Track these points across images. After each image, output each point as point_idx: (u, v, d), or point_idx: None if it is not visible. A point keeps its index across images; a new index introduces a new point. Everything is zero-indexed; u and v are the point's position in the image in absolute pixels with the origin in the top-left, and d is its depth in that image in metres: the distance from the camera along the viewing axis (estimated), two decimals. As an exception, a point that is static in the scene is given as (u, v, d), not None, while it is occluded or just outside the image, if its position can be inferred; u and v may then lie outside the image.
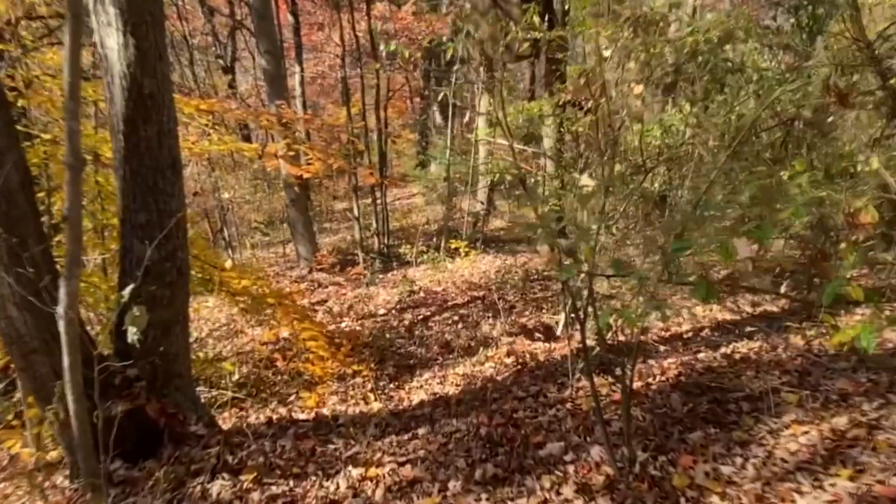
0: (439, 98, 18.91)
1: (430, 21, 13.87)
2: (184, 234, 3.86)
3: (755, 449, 3.05)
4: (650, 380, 4.13)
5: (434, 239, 11.47)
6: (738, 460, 2.97)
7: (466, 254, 8.97)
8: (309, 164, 5.94)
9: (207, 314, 7.03)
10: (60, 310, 2.90)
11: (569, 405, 3.99)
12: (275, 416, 4.41)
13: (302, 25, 17.49)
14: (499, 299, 7.03)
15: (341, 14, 11.33)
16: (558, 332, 5.35)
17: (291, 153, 6.00)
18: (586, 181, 3.79)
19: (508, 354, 5.23)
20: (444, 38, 16.41)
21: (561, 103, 3.40)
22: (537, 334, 5.57)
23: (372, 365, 5.51)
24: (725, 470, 2.89)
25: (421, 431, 4.01)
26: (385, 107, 11.61)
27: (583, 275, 3.30)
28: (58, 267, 4.50)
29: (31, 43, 4.94)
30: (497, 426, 3.81)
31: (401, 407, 4.61)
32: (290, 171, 5.15)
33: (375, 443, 3.90)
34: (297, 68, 17.79)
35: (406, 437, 3.97)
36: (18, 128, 3.77)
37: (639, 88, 3.64)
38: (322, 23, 15.80)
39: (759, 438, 3.15)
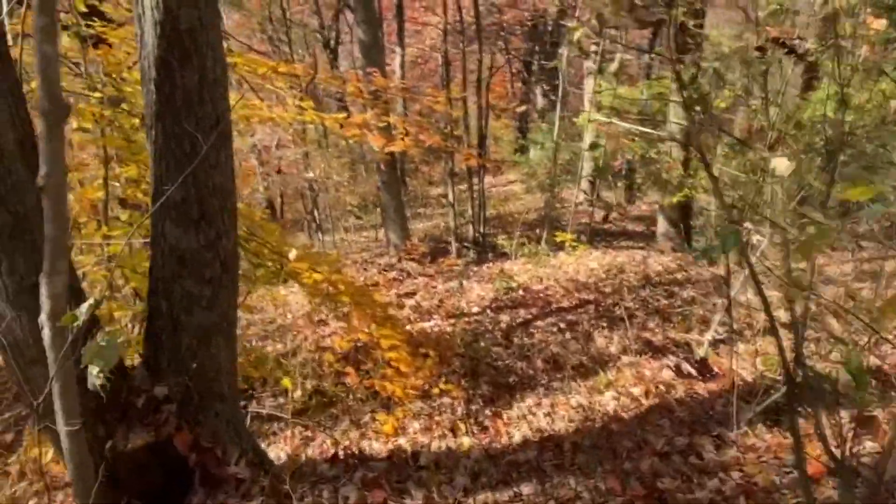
0: (549, 69, 17.60)
1: (537, -5, 12.57)
2: (232, 217, 2.93)
3: None
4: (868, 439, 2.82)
5: (533, 230, 10.28)
6: None
7: (574, 248, 7.74)
8: (402, 139, 4.94)
9: (280, 300, 6.23)
10: (43, 316, 2.02)
11: (736, 474, 2.77)
12: (341, 450, 3.45)
13: (404, 9, 16.68)
14: (614, 305, 5.80)
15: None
16: (700, 355, 4.09)
17: (381, 124, 5.03)
18: (780, 161, 2.53)
19: (636, 383, 4.03)
20: (554, 10, 15.06)
21: (758, 45, 2.26)
22: (672, 358, 4.33)
23: (463, 381, 4.46)
24: None
25: (526, 490, 2.92)
26: (487, 86, 10.50)
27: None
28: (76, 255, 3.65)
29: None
30: (634, 499, 2.66)
31: (498, 446, 3.54)
32: (375, 142, 4.16)
33: (465, 500, 2.85)
34: (399, 50, 16.99)
35: (506, 496, 2.90)
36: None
37: (880, 23, 2.35)
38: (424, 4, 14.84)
39: None
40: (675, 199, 6.19)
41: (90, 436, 2.51)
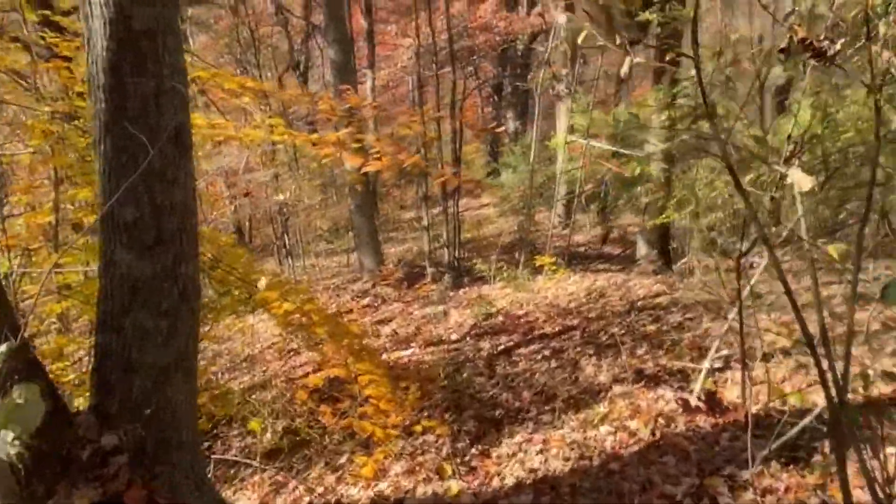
0: (520, 92, 17.57)
1: (509, 19, 12.52)
2: (192, 240, 2.59)
3: None
4: None
5: (509, 254, 10.05)
6: None
7: (553, 272, 7.50)
8: (378, 158, 4.65)
9: (248, 330, 5.84)
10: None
11: (755, 521, 2.50)
12: (316, 497, 3.08)
13: (375, 33, 16.53)
14: (599, 331, 5.56)
15: (417, 10, 10.10)
16: (700, 386, 3.84)
17: (356, 144, 4.75)
18: (800, 176, 2.30)
19: (632, 415, 3.76)
20: (524, 36, 15.05)
21: (783, 47, 2.05)
22: (666, 387, 4.08)
23: (446, 416, 4.14)
24: None
25: (524, 542, 2.60)
26: (461, 108, 10.32)
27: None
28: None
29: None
30: (647, 552, 2.36)
31: (489, 489, 3.22)
32: (351, 162, 3.87)
33: (456, 557, 2.52)
34: (370, 74, 16.80)
35: (502, 550, 2.57)
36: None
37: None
38: (397, 24, 14.72)
39: None
40: (658, 221, 6.01)
41: (26, 494, 2.14)
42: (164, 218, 2.43)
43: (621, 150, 8.05)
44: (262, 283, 3.26)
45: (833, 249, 2.32)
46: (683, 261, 7.52)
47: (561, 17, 10.83)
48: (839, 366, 2.03)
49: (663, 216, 5.86)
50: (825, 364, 1.95)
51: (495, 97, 18.62)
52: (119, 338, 2.47)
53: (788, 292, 2.11)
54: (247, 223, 17.21)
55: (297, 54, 16.49)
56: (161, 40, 2.36)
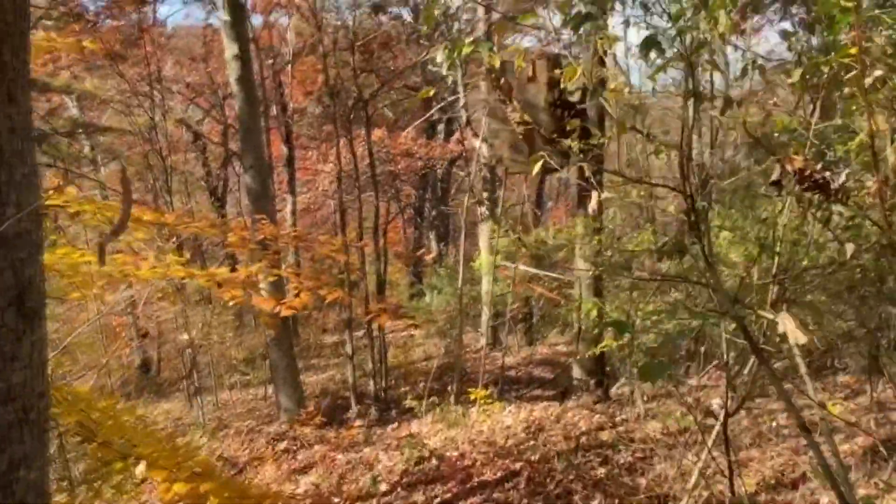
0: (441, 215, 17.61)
1: (430, 146, 12.67)
2: (38, 436, 1.92)
3: None
4: None
5: (439, 381, 9.42)
6: None
7: (487, 404, 6.93)
8: (296, 295, 4.09)
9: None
10: None
11: None
12: None
13: (296, 159, 16.43)
14: (546, 477, 4.97)
15: (338, 136, 9.96)
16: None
17: (272, 279, 4.20)
18: (793, 328, 1.94)
19: None
20: (443, 162, 15.28)
21: (774, 179, 1.76)
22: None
23: None
24: None
25: None
26: (385, 231, 10.01)
27: None
28: None
29: None
30: None
31: None
32: (263, 305, 3.32)
33: None
34: (290, 198, 16.48)
35: None
36: None
37: None
38: (318, 149, 14.67)
39: None
40: (596, 351, 5.66)
41: None
42: (-7, 410, 1.76)
43: (549, 274, 7.86)
44: (141, 469, 2.54)
45: (833, 409, 1.93)
46: (620, 384, 7.17)
47: (477, 144, 11.02)
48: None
49: (602, 345, 5.51)
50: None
51: (417, 219, 18.64)
52: None
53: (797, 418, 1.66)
54: (155, 355, 15.83)
55: (213, 180, 16.05)
56: (5, 175, 1.81)
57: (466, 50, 2.44)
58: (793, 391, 3.23)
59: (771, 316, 1.96)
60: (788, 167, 1.60)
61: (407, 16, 15.92)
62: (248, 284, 3.70)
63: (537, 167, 2.32)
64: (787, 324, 1.89)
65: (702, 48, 1.84)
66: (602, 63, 6.43)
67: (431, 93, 4.15)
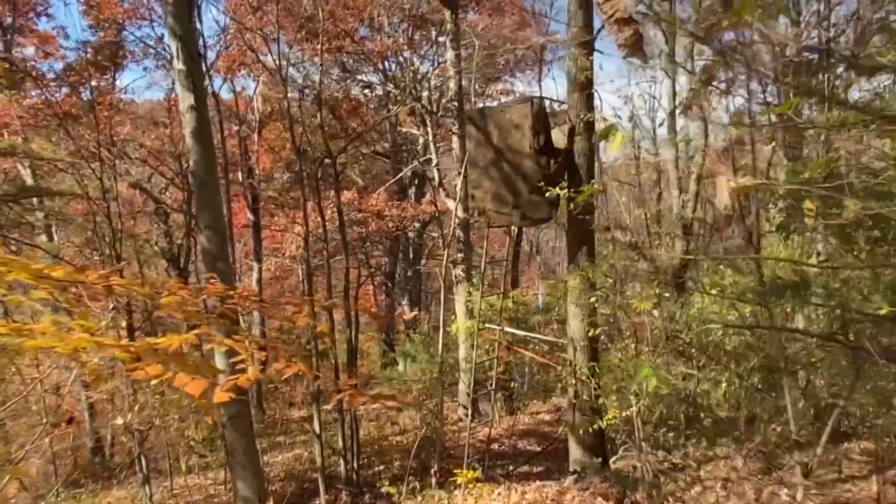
0: (413, 279, 16.80)
1: (402, 207, 12.04)
2: None
3: None
4: None
5: (417, 457, 8.40)
6: None
7: (473, 485, 5.96)
8: (242, 371, 3.20)
9: None
10: None
11: None
12: None
13: (262, 226, 15.66)
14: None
15: (305, 197, 9.25)
16: None
17: (223, 349, 3.32)
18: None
19: None
20: (416, 224, 14.67)
21: None
22: None
23: None
24: None
25: None
26: (356, 296, 9.18)
27: None
28: None
29: None
30: None
31: None
32: (191, 390, 2.46)
33: None
34: (256, 266, 15.56)
35: None
36: None
37: None
38: (286, 216, 13.94)
39: None
40: (605, 423, 4.84)
41: None
42: None
43: (540, 337, 7.09)
44: None
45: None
46: (619, 457, 6.31)
47: (452, 205, 10.44)
48: None
49: (608, 417, 4.70)
50: None
51: (388, 284, 17.83)
52: None
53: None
54: (109, 436, 14.35)
55: (175, 249, 15.09)
56: None
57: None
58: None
59: None
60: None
61: (377, 82, 15.63)
62: (177, 359, 2.81)
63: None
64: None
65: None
66: (590, 106, 5.77)
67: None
